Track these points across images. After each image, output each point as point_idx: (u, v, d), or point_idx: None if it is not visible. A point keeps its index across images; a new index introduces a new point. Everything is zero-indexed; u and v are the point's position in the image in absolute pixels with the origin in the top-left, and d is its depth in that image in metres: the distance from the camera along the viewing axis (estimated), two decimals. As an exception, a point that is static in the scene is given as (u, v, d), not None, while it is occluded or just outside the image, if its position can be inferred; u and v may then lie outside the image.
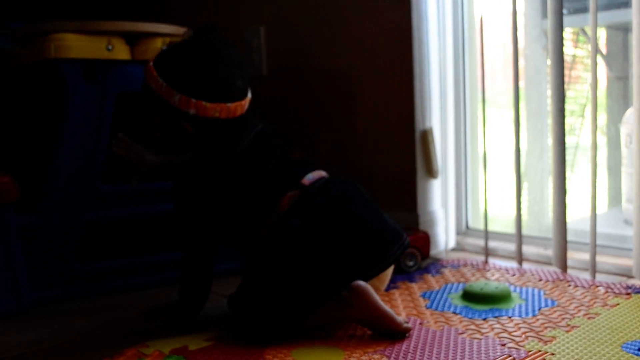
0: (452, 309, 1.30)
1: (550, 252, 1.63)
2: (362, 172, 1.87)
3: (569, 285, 1.43)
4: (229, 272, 1.49)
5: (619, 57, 2.11)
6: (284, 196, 1.22)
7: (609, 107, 2.11)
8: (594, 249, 1.49)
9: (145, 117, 1.28)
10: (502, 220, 1.98)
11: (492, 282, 1.38)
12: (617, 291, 1.37)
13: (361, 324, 1.19)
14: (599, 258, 1.53)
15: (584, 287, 1.41)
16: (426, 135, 1.72)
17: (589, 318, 1.21)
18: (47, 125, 1.54)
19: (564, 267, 1.55)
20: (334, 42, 1.92)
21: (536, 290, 1.40)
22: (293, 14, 2.03)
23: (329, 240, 1.18)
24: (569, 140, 1.56)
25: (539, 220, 2.07)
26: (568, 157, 1.56)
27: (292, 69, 2.05)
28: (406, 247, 1.24)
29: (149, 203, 1.54)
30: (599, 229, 1.50)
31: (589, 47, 2.03)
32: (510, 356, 1.06)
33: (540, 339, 1.12)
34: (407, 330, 1.16)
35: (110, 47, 1.44)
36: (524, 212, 1.65)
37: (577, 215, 1.84)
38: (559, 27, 1.53)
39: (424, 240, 1.62)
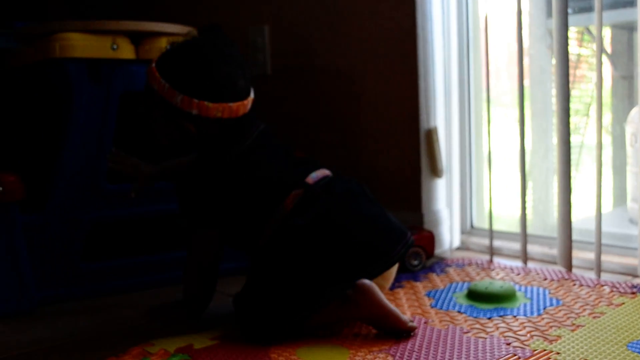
0: (457, 308, 1.30)
1: (555, 251, 1.63)
2: (366, 172, 1.87)
3: (574, 285, 1.43)
4: (233, 271, 1.49)
5: (624, 56, 2.11)
6: (288, 195, 1.22)
7: (614, 106, 2.11)
8: (599, 248, 1.49)
9: (148, 118, 1.29)
10: (506, 220, 1.98)
11: (497, 281, 1.38)
12: (622, 290, 1.36)
13: (366, 323, 1.19)
14: (604, 257, 1.53)
15: (589, 286, 1.41)
16: (431, 135, 1.72)
17: (594, 317, 1.21)
18: (52, 125, 1.54)
19: (569, 266, 1.55)
20: (338, 42, 1.92)
21: (541, 290, 1.40)
22: (297, 14, 2.03)
23: (333, 239, 1.18)
24: (573, 139, 1.55)
25: (544, 219, 2.07)
26: (573, 157, 1.56)
27: (296, 68, 2.05)
28: (410, 246, 1.24)
29: (153, 202, 1.54)
30: (604, 228, 1.50)
31: (594, 46, 2.03)
32: (515, 355, 1.06)
33: (545, 338, 1.12)
34: (412, 329, 1.16)
35: (115, 46, 1.44)
36: (528, 211, 1.65)
37: (582, 214, 1.84)
38: (564, 27, 1.52)
39: (429, 240, 1.62)
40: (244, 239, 1.27)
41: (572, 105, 1.54)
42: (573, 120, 1.55)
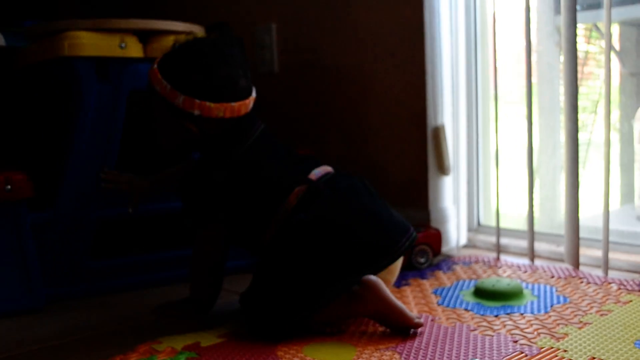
0: (463, 306, 1.30)
1: (562, 249, 1.63)
2: (373, 169, 1.87)
3: (581, 282, 1.42)
4: (240, 269, 1.50)
5: (632, 53, 2.10)
6: (292, 192, 1.22)
7: (622, 104, 2.10)
8: (606, 245, 1.49)
9: (150, 119, 1.30)
10: (513, 217, 1.98)
11: (504, 279, 1.38)
12: (629, 288, 1.36)
13: (372, 318, 1.19)
14: (611, 255, 1.53)
15: (596, 283, 1.41)
16: (438, 132, 1.72)
17: (601, 315, 1.21)
18: (61, 123, 1.55)
19: (576, 263, 1.55)
20: (345, 39, 1.92)
21: (548, 287, 1.39)
22: (304, 11, 2.03)
23: (337, 234, 1.18)
24: (581, 136, 1.55)
25: (551, 216, 2.07)
26: (580, 154, 1.55)
27: (304, 66, 2.06)
28: (414, 240, 1.25)
29: (161, 200, 1.55)
30: (612, 226, 1.50)
31: (602, 43, 2.02)
32: (522, 353, 1.06)
33: (552, 335, 1.12)
34: (418, 325, 1.16)
35: (123, 44, 1.44)
36: (536, 208, 1.65)
37: (589, 212, 1.83)
38: (573, 23, 1.52)
39: (436, 237, 1.62)
40: (249, 236, 1.27)
41: (580, 103, 1.54)
42: (580, 117, 1.54)
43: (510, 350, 1.07)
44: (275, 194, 1.23)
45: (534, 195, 1.64)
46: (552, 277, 1.48)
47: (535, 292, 1.36)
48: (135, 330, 1.25)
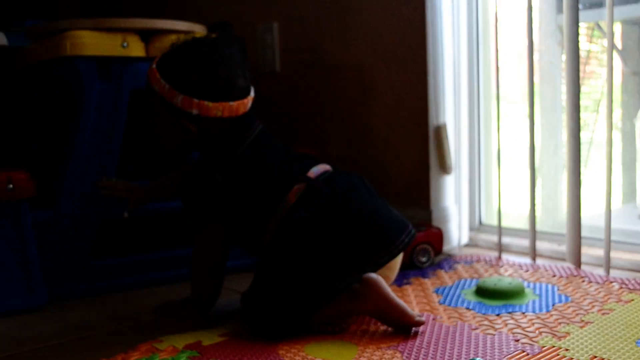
0: (465, 305, 1.30)
1: (564, 248, 1.63)
2: (375, 168, 1.87)
3: (583, 281, 1.42)
4: (241, 268, 1.50)
5: (634, 52, 2.10)
6: (291, 190, 1.23)
7: (624, 103, 2.10)
8: (608, 244, 1.48)
9: (149, 119, 1.30)
10: (515, 216, 1.97)
11: (505, 278, 1.38)
12: (631, 287, 1.36)
13: (373, 316, 1.19)
14: (613, 254, 1.53)
15: (598, 282, 1.41)
16: (440, 131, 1.72)
17: (603, 314, 1.21)
18: (63, 123, 1.55)
19: (578, 262, 1.55)
20: (347, 38, 1.92)
21: (550, 286, 1.39)
22: (306, 11, 2.03)
23: (336, 232, 1.18)
24: (583, 135, 1.55)
25: (553, 216, 2.07)
26: (582, 153, 1.55)
27: (305, 65, 2.06)
28: (413, 237, 1.25)
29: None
30: (614, 225, 1.50)
31: (604, 42, 2.02)
32: (524, 352, 1.06)
33: (554, 334, 1.12)
34: (419, 323, 1.16)
35: (125, 44, 1.44)
36: (538, 207, 1.64)
37: (591, 211, 1.83)
38: (575, 22, 1.52)
39: (437, 236, 1.62)
40: (249, 236, 1.27)
41: (582, 102, 1.54)
42: (582, 116, 1.54)
43: (512, 349, 1.07)
44: (275, 192, 1.23)
45: (536, 194, 1.64)
46: (554, 276, 1.48)
47: (537, 291, 1.36)
48: (136, 329, 1.26)
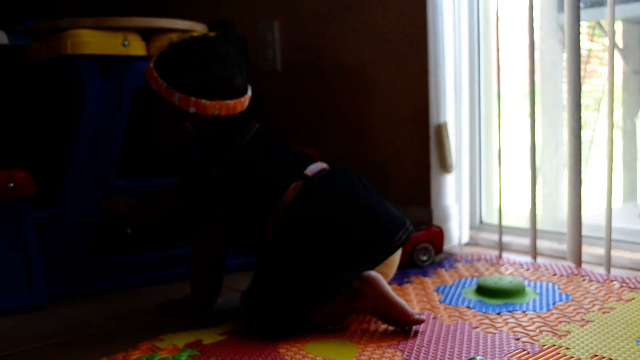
0: (465, 304, 1.30)
1: (564, 247, 1.62)
2: (375, 167, 1.87)
3: (584, 280, 1.42)
4: (240, 267, 1.50)
5: (635, 51, 2.09)
6: (288, 187, 1.23)
7: (625, 101, 2.09)
8: (609, 243, 1.48)
9: (146, 117, 1.30)
10: (516, 215, 1.97)
11: (506, 277, 1.38)
12: (632, 286, 1.36)
13: (373, 315, 1.19)
14: (613, 252, 1.53)
15: (598, 281, 1.41)
16: (440, 130, 1.72)
17: (603, 312, 1.21)
18: (63, 121, 1.55)
19: (578, 261, 1.54)
20: (348, 37, 1.92)
21: (550, 285, 1.39)
22: (307, 9, 2.03)
23: (334, 229, 1.18)
24: (583, 134, 1.55)
25: (554, 214, 2.07)
26: (583, 152, 1.55)
27: (306, 64, 2.06)
28: (411, 233, 1.25)
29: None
30: (614, 224, 1.49)
31: (605, 40, 2.02)
32: (524, 350, 1.06)
33: (554, 333, 1.12)
34: (419, 321, 1.15)
35: (125, 43, 1.44)
36: (538, 206, 1.64)
37: (591, 209, 1.83)
38: (576, 21, 1.52)
39: (438, 235, 1.62)
40: (248, 234, 1.27)
41: (583, 101, 1.54)
42: (583, 115, 1.54)
43: (513, 348, 1.07)
44: (272, 190, 1.23)
45: (537, 193, 1.64)
46: (555, 274, 1.47)
47: (538, 290, 1.36)
48: (137, 328, 1.26)
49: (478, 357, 1.02)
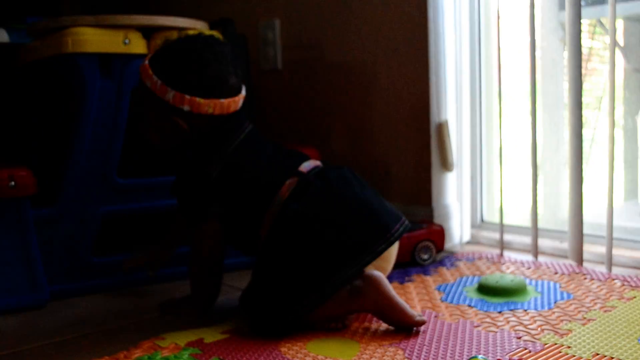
0: (467, 302, 1.30)
1: (566, 245, 1.62)
2: (377, 166, 1.87)
3: (585, 279, 1.42)
4: (242, 265, 1.50)
5: (636, 49, 2.09)
6: (283, 184, 1.23)
7: (626, 100, 2.09)
8: (610, 242, 1.48)
9: (140, 115, 1.30)
10: (517, 214, 1.97)
11: (507, 275, 1.38)
12: (633, 284, 1.36)
13: (373, 314, 1.19)
14: (615, 251, 1.53)
15: (600, 280, 1.41)
16: (441, 128, 1.72)
17: (605, 311, 1.21)
18: (64, 120, 1.55)
19: (579, 260, 1.54)
20: (349, 36, 1.92)
21: (552, 284, 1.39)
22: (308, 8, 2.03)
23: (331, 222, 1.18)
24: (584, 133, 1.55)
25: (555, 213, 2.07)
26: (584, 150, 1.55)
27: (307, 62, 2.05)
28: (407, 227, 1.25)
29: (164, 197, 1.55)
30: (615, 222, 1.49)
31: (606, 39, 2.02)
32: (526, 349, 1.05)
33: (556, 332, 1.12)
34: (419, 323, 1.15)
35: (126, 41, 1.44)
36: (539, 204, 1.64)
37: (593, 208, 1.83)
38: (577, 19, 1.52)
39: (439, 234, 1.62)
40: (245, 234, 1.27)
41: (584, 99, 1.54)
42: (584, 113, 1.54)
43: (514, 347, 1.07)
44: (267, 187, 1.23)
45: (538, 192, 1.63)
46: (556, 273, 1.47)
47: (539, 289, 1.36)
48: (138, 327, 1.26)
49: (480, 356, 1.02)
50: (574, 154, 1.55)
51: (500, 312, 1.23)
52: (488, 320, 1.19)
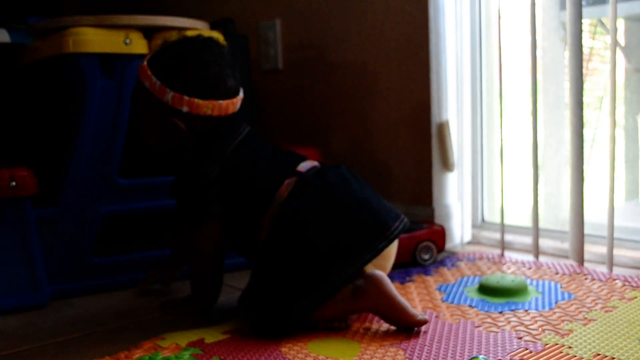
0: (468, 302, 1.30)
1: (567, 246, 1.62)
2: (377, 165, 1.87)
3: (586, 279, 1.42)
4: (243, 265, 1.50)
5: (637, 49, 2.09)
6: (282, 184, 1.23)
7: (627, 99, 2.09)
8: (611, 242, 1.48)
9: (138, 117, 1.30)
10: (518, 214, 1.97)
11: (508, 275, 1.38)
12: (634, 284, 1.36)
13: (375, 314, 1.19)
14: (616, 251, 1.53)
15: (601, 280, 1.41)
16: (442, 128, 1.72)
17: (606, 311, 1.21)
18: (65, 120, 1.55)
19: (580, 260, 1.54)
20: (349, 35, 1.92)
21: (553, 284, 1.39)
22: (309, 7, 2.03)
23: (331, 221, 1.18)
24: (585, 132, 1.55)
25: (556, 213, 2.06)
26: (585, 150, 1.55)
27: (308, 62, 2.05)
28: (406, 225, 1.25)
29: (165, 197, 1.55)
30: (616, 222, 1.49)
31: (607, 38, 2.02)
32: (527, 349, 1.05)
33: (557, 332, 1.12)
34: (421, 322, 1.15)
35: (127, 41, 1.44)
36: (540, 205, 1.64)
37: (594, 208, 1.83)
38: (578, 19, 1.51)
39: (440, 234, 1.62)
40: (245, 236, 1.27)
41: (584, 99, 1.54)
42: (585, 113, 1.54)
43: (515, 347, 1.07)
44: (267, 187, 1.24)
45: (539, 192, 1.63)
46: (557, 273, 1.47)
47: (540, 289, 1.36)
48: (139, 327, 1.26)
49: (481, 356, 1.02)
50: (575, 153, 1.55)
51: (501, 313, 1.23)
52: (489, 320, 1.19)
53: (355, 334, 1.15)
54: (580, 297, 1.30)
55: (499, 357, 1.03)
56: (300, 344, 1.11)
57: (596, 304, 1.25)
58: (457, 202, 1.78)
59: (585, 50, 1.66)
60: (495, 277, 1.37)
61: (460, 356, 1.04)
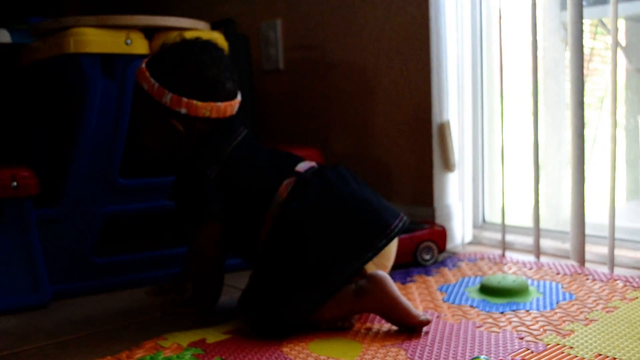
0: (469, 303, 1.30)
1: (568, 246, 1.62)
2: (378, 166, 1.87)
3: (587, 279, 1.42)
4: (242, 266, 1.50)
5: (638, 49, 2.09)
6: (281, 184, 1.23)
7: (628, 100, 2.09)
8: (612, 242, 1.48)
9: (136, 118, 1.30)
10: (519, 214, 1.97)
11: (509, 276, 1.38)
12: (635, 285, 1.36)
13: (377, 314, 1.19)
14: (617, 251, 1.53)
15: (602, 280, 1.41)
16: (443, 129, 1.72)
17: (607, 312, 1.21)
18: (66, 120, 1.55)
19: (581, 260, 1.54)
20: (350, 36, 1.92)
21: (554, 284, 1.39)
22: (310, 8, 2.03)
23: (331, 220, 1.19)
24: (586, 132, 1.55)
25: (557, 213, 2.06)
26: (586, 150, 1.55)
27: (309, 62, 2.05)
28: (406, 223, 1.25)
29: (166, 197, 1.55)
30: (617, 223, 1.49)
31: (607, 39, 2.02)
32: (528, 350, 1.05)
33: (558, 332, 1.12)
34: (423, 323, 1.15)
35: (128, 41, 1.44)
36: (541, 205, 1.64)
37: (595, 208, 1.83)
38: (579, 19, 1.51)
39: (441, 234, 1.62)
40: (245, 238, 1.27)
41: (585, 99, 1.54)
42: (586, 113, 1.54)
43: (516, 347, 1.07)
44: (266, 188, 1.24)
45: (540, 192, 1.63)
46: (558, 274, 1.47)
47: (541, 289, 1.36)
48: (140, 327, 1.26)
49: (482, 357, 1.02)
50: (576, 154, 1.55)
51: (502, 313, 1.23)
52: (490, 320, 1.19)
53: (357, 334, 1.15)
54: (582, 297, 1.30)
55: (501, 358, 1.03)
56: (302, 344, 1.11)
57: (597, 304, 1.25)
58: (458, 203, 1.78)
59: (586, 51, 1.66)
60: (496, 278, 1.37)
61: (461, 356, 1.04)
